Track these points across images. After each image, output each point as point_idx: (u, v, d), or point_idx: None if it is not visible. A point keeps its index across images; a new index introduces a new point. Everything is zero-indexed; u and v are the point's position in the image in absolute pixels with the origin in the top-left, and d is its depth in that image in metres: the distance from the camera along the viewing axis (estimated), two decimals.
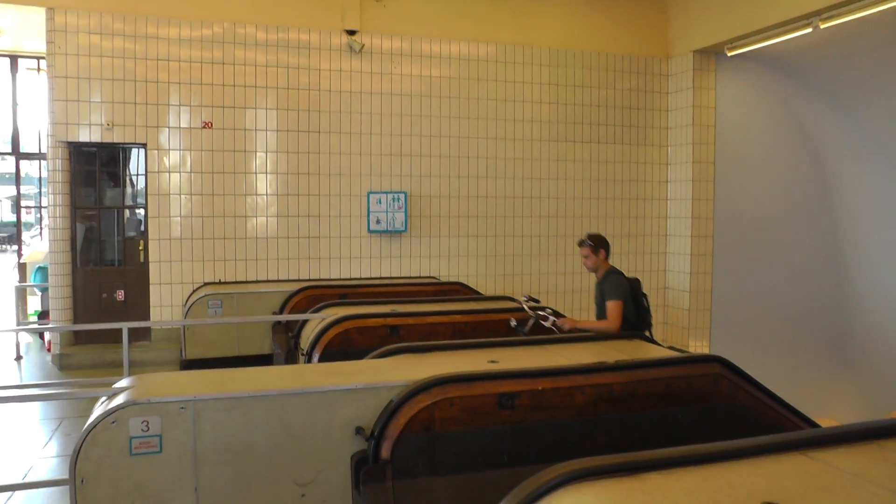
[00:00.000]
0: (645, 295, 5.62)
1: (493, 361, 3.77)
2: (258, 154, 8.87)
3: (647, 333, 5.51)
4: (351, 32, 9.01)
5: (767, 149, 10.47)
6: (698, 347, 10.10)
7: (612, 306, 5.29)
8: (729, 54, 9.61)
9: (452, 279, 9.04)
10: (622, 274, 5.58)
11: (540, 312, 5.39)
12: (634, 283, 5.62)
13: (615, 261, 10.39)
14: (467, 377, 3.24)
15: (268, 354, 7.61)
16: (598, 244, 5.59)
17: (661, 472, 2.12)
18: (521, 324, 5.47)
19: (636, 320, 5.47)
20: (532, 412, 3.25)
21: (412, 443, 3.18)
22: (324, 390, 3.39)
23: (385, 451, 3.19)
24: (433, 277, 9.15)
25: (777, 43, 9.00)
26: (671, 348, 4.21)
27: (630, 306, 5.40)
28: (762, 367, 10.18)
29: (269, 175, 8.91)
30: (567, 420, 3.29)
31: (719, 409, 3.61)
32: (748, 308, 10.43)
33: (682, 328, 10.22)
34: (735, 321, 10.32)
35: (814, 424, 3.62)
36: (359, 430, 3.35)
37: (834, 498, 2.05)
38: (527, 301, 5.71)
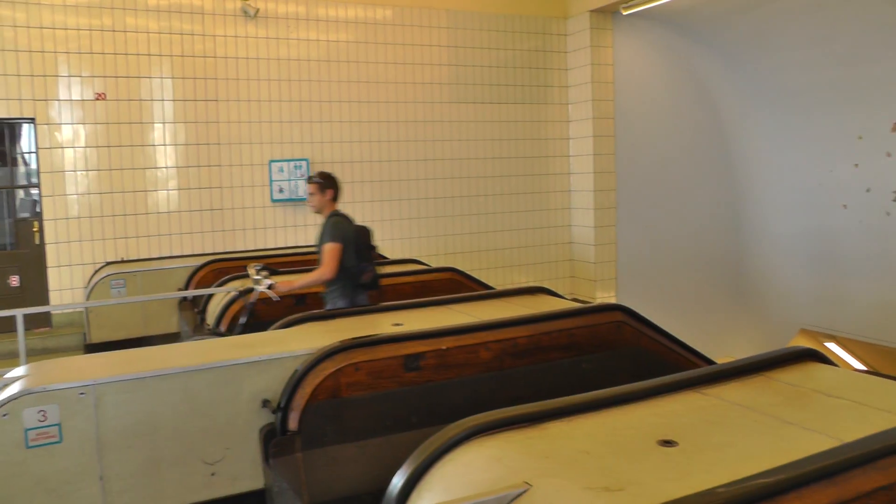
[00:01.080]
0: (374, 247, 5.34)
1: (397, 324, 3.80)
2: (156, 125, 8.54)
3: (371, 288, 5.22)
4: None
5: (665, 103, 10.78)
6: (605, 298, 10.42)
7: (327, 249, 4.95)
8: (624, 13, 9.79)
9: None
10: (346, 218, 5.22)
11: (255, 277, 5.10)
12: (362, 232, 5.28)
13: (520, 219, 10.63)
14: (371, 341, 3.26)
15: (176, 332, 7.44)
16: (326, 183, 5.22)
17: (562, 420, 2.21)
18: (244, 294, 5.21)
19: (357, 270, 5.10)
20: (438, 371, 3.31)
21: (319, 411, 3.18)
22: (228, 364, 3.34)
23: (293, 422, 3.18)
24: None
25: (670, 2, 9.22)
26: (574, 300, 4.33)
27: (351, 253, 5.04)
28: (667, 312, 10.68)
29: (168, 147, 8.61)
30: (474, 377, 3.36)
31: (623, 356, 3.76)
32: (652, 257, 10.83)
33: (588, 281, 10.51)
34: (640, 270, 10.69)
35: (712, 363, 3.81)
36: (265, 403, 3.33)
37: (724, 429, 2.20)
38: (260, 270, 5.28)
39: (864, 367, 11.61)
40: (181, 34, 8.54)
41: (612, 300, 10.40)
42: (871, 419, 2.25)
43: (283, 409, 3.22)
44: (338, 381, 3.18)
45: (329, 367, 3.18)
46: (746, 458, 1.92)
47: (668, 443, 2.03)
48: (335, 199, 5.28)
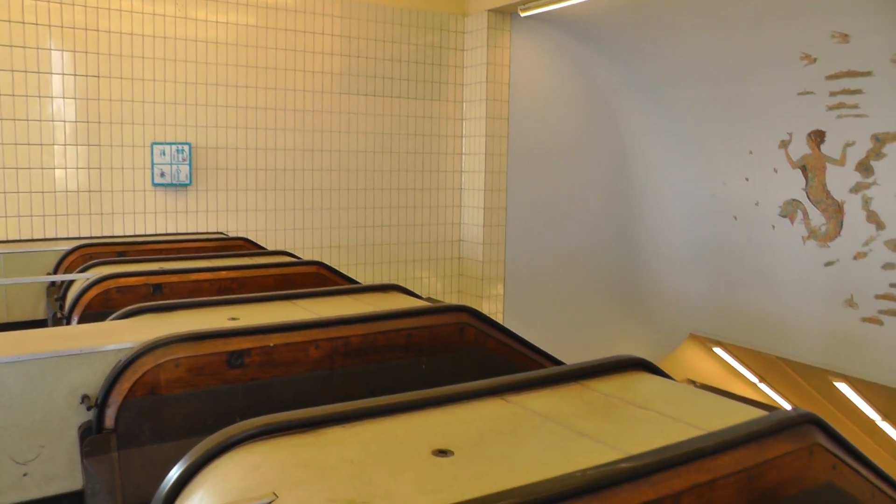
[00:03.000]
0: None
1: (233, 318, 3.66)
2: (30, 99, 8.06)
3: None
4: None
5: (561, 107, 10.90)
6: (493, 297, 10.47)
7: None
8: (522, 14, 9.84)
9: (241, 234, 8.76)
10: None
11: None
12: None
13: (409, 214, 10.56)
14: (193, 336, 3.10)
15: (44, 319, 7.06)
16: None
17: (343, 426, 2.11)
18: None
19: None
20: (263, 369, 3.19)
21: (137, 409, 3.02)
22: (45, 356, 3.12)
23: (109, 420, 3.01)
24: (221, 233, 8.82)
25: (568, 7, 9.32)
26: (428, 300, 4.28)
27: None
28: (557, 313, 10.83)
29: (42, 123, 8.13)
30: (302, 375, 3.25)
31: (467, 357, 3.70)
32: (543, 258, 10.95)
33: (476, 279, 10.55)
34: (529, 271, 10.79)
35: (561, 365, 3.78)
36: (84, 399, 3.14)
37: (511, 439, 2.11)
38: None
39: (749, 373, 12.11)
40: (60, 3, 8.09)
41: (500, 299, 10.47)
42: (669, 432, 2.19)
43: (100, 405, 3.04)
44: (157, 378, 3.03)
45: (148, 363, 3.01)
46: (519, 471, 1.85)
47: (442, 452, 1.95)
48: None
